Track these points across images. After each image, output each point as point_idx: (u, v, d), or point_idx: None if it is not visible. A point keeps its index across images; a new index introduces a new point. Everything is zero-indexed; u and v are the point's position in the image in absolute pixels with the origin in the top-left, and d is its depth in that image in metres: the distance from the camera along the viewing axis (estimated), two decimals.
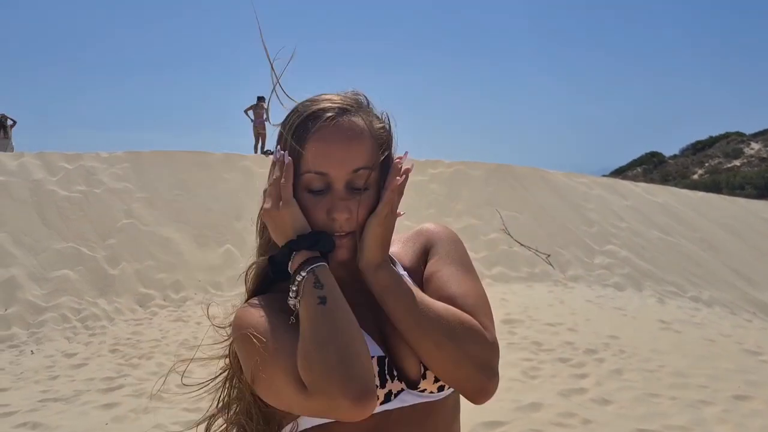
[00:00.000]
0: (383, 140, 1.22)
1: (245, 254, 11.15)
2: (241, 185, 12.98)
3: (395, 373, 1.17)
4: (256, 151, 15.32)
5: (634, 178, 33.30)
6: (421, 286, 1.25)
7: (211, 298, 9.91)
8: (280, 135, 1.23)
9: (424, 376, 1.18)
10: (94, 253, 10.00)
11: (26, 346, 7.88)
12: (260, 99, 15.05)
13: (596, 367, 5.83)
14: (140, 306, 9.16)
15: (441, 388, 1.20)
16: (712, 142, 47.26)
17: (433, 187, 14.14)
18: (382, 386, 1.15)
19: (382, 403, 1.14)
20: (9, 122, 15.28)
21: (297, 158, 1.17)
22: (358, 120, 1.18)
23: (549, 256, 12.43)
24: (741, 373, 5.68)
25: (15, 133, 15.96)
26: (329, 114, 1.16)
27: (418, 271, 1.32)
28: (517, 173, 15.61)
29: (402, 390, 1.17)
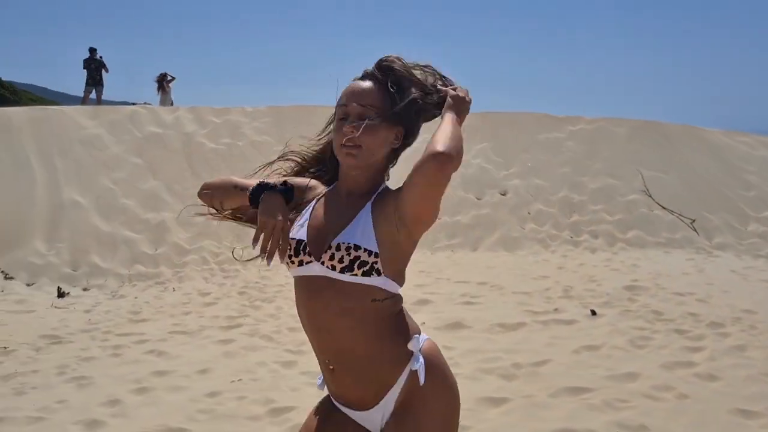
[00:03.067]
0: (401, 91, 1.71)
1: None
2: None
3: (308, 250, 1.69)
4: None
5: None
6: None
7: None
8: None
9: (331, 257, 1.63)
10: None
11: (170, 283, 8.70)
12: None
13: (716, 341, 5.40)
14: None
15: (343, 271, 1.62)
16: None
17: (570, 144, 13.53)
18: (296, 255, 1.70)
19: (298, 267, 1.70)
20: (168, 78, 16.62)
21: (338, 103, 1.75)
22: (373, 78, 1.73)
23: (694, 221, 11.53)
24: None
25: (175, 88, 17.35)
26: (359, 75, 1.77)
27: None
28: (667, 131, 14.48)
29: (311, 261, 1.68)
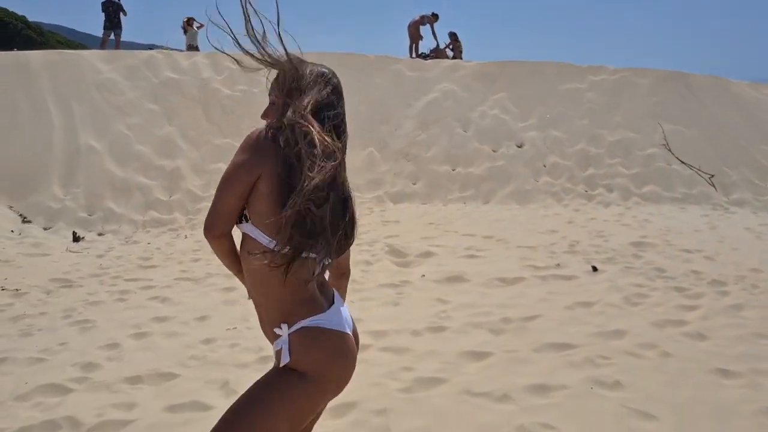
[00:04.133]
0: (289, 86, 1.86)
1: (387, 158, 11.42)
2: (390, 89, 13.09)
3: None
4: (410, 54, 15.24)
5: None
6: None
7: None
8: None
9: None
10: None
11: (182, 230, 8.88)
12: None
13: (714, 300, 5.38)
14: None
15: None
16: None
17: (591, 95, 13.25)
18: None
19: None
20: (196, 24, 16.51)
21: None
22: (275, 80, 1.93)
23: (713, 176, 11.33)
24: None
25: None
26: None
27: None
28: (693, 82, 14.08)
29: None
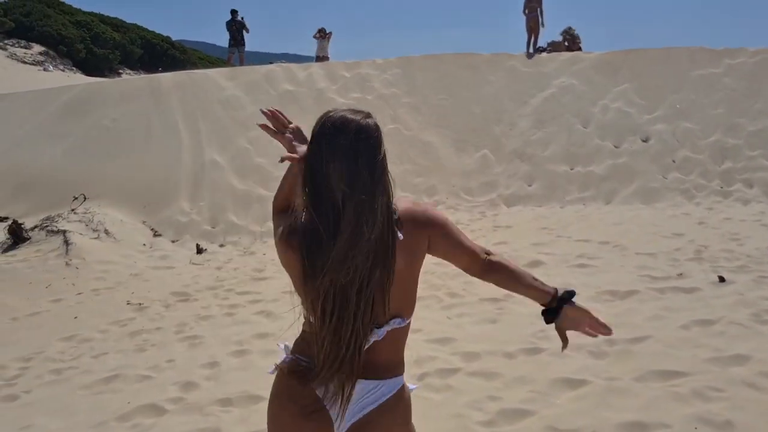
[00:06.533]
0: None
1: (501, 160, 11.13)
2: (504, 87, 12.74)
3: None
4: (528, 49, 14.73)
5: None
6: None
7: (459, 204, 10.22)
8: None
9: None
10: None
11: None
12: None
13: None
14: None
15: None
16: None
17: (727, 81, 12.13)
18: None
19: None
20: (326, 32, 17.11)
21: None
22: None
23: None
24: None
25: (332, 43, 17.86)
26: None
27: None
28: None
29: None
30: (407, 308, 1.76)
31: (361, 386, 1.72)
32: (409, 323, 1.79)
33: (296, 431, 1.73)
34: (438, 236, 1.78)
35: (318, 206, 1.59)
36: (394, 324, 1.72)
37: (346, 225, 1.56)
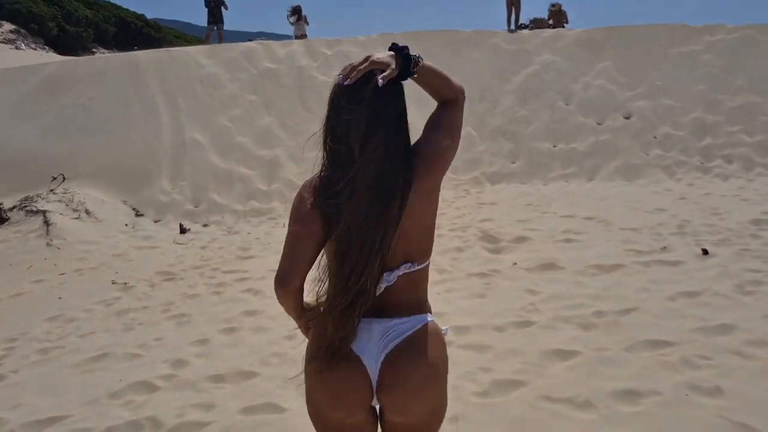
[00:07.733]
0: None
1: (484, 137, 11.13)
2: (487, 64, 12.70)
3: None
4: (509, 25, 14.67)
5: None
6: None
7: (443, 182, 10.20)
8: None
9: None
10: None
11: (281, 219, 9.08)
12: None
13: None
14: None
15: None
16: None
17: (707, 58, 12.21)
18: None
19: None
20: (303, 13, 16.83)
21: None
22: None
23: None
24: None
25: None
26: None
27: None
28: None
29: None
30: (419, 253, 1.79)
31: (382, 325, 1.75)
32: (426, 266, 1.82)
33: (329, 377, 1.74)
34: (449, 153, 1.90)
35: (336, 156, 1.71)
36: (405, 268, 1.75)
37: (362, 165, 1.64)
